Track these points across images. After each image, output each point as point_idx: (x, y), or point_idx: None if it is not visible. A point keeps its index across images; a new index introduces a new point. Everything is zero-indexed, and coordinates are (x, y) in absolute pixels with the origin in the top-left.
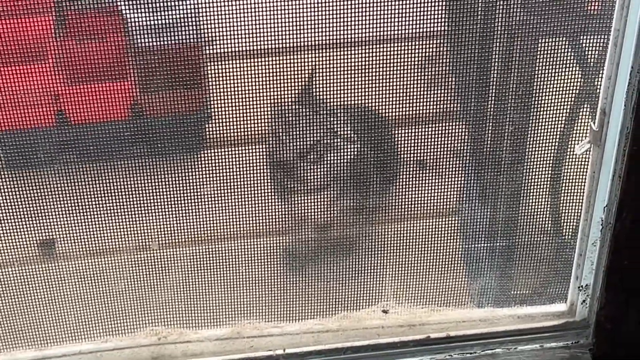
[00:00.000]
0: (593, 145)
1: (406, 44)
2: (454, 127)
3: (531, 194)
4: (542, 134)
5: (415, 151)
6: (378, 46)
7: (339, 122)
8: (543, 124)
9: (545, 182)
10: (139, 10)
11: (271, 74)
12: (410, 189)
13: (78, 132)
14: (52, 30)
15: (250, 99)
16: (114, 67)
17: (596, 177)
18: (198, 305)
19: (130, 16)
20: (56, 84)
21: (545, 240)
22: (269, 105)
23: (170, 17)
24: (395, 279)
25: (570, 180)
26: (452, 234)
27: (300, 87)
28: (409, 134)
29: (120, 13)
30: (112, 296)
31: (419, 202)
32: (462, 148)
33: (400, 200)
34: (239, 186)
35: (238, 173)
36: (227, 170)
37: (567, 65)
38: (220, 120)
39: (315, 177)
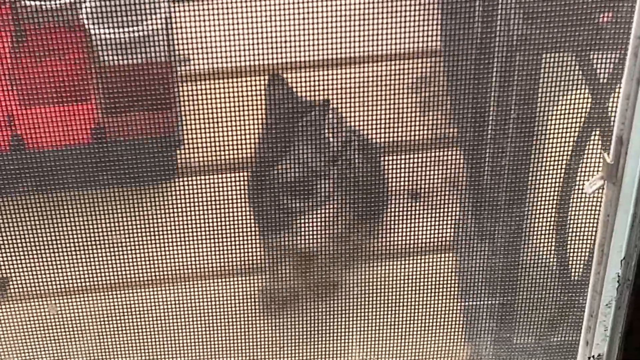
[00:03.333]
0: (607, 182)
1: (397, 62)
2: (449, 154)
3: (534, 239)
4: (546, 167)
5: (407, 181)
6: (366, 65)
7: (322, 147)
8: (547, 154)
9: (550, 226)
10: (105, 26)
11: (251, 95)
12: (401, 223)
13: (35, 158)
14: (8, 46)
15: (227, 122)
16: (76, 88)
17: (611, 222)
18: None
19: (94, 32)
20: (11, 106)
21: (549, 297)
22: (247, 129)
23: (139, 32)
24: (377, 331)
25: (579, 225)
26: (446, 275)
27: (280, 108)
28: (401, 162)
29: (83, 29)
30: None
31: (411, 237)
32: (458, 178)
33: (390, 235)
34: (211, 219)
35: (211, 204)
36: (200, 201)
37: (575, 85)
38: (193, 146)
39: (298, 207)
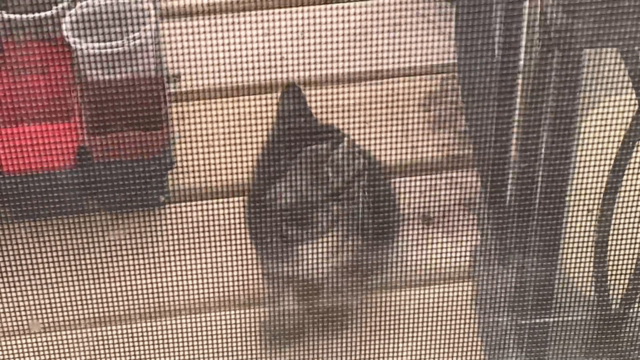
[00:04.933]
0: None
1: (407, 79)
2: (466, 175)
3: (568, 265)
4: (584, 181)
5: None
6: (374, 82)
7: (327, 170)
8: (586, 166)
9: (588, 248)
10: (88, 40)
11: (249, 114)
12: (413, 249)
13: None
14: None
15: (223, 143)
16: (58, 106)
17: None
18: None
19: (77, 46)
20: None
21: (586, 329)
22: (246, 150)
23: (125, 47)
24: None
25: (620, 248)
26: (465, 308)
27: (282, 129)
28: (412, 184)
29: (65, 43)
30: None
31: (424, 264)
32: (476, 200)
33: (401, 262)
34: (206, 247)
35: (206, 231)
36: (193, 228)
37: (619, 85)
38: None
39: (301, 234)
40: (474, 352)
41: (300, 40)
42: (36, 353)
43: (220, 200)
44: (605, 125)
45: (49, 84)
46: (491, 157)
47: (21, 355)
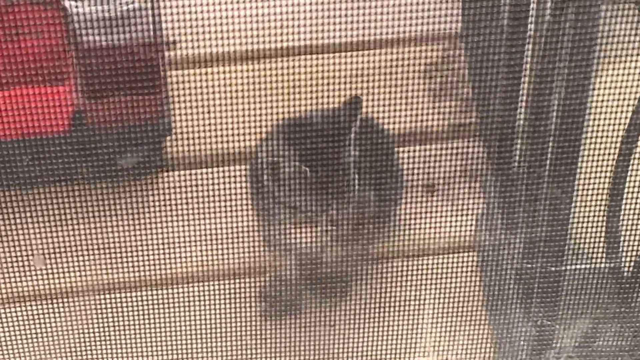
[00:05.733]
0: None
1: (410, 47)
2: (470, 144)
3: (579, 232)
4: (596, 146)
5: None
6: (376, 49)
7: (329, 134)
8: (599, 131)
9: (599, 214)
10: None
11: (250, 81)
12: (416, 218)
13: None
14: None
15: (224, 110)
16: (51, 68)
17: None
18: None
19: (71, 7)
20: None
21: (596, 295)
22: (246, 116)
23: (122, 7)
24: (396, 335)
25: (633, 213)
26: (469, 277)
27: (284, 95)
28: (415, 153)
29: (59, 3)
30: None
31: (427, 234)
32: (480, 168)
33: (403, 232)
34: (205, 215)
35: (205, 199)
36: (191, 196)
37: (638, 44)
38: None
39: (303, 202)
40: (479, 323)
41: (300, 6)
42: (34, 320)
43: (218, 168)
44: (622, 83)
45: (42, 45)
46: (498, 121)
47: (21, 322)
